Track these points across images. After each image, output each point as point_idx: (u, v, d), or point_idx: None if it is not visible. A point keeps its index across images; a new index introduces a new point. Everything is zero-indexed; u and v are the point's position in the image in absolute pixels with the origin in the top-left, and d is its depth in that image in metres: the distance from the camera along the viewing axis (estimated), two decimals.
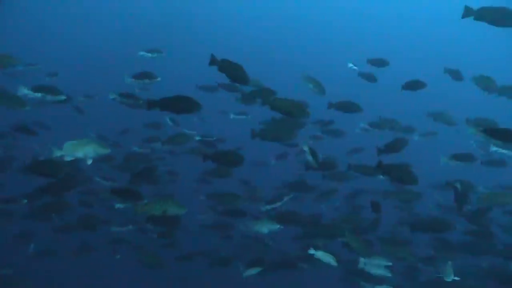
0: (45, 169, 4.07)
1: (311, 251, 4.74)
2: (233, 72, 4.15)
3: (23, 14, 23.48)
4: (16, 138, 7.44)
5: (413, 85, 6.19)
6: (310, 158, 4.68)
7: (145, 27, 24.97)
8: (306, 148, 4.70)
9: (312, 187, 6.31)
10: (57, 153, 4.07)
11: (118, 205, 7.10)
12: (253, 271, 6.27)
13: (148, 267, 5.67)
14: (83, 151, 4.16)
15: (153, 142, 7.47)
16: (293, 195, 6.35)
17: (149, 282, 8.52)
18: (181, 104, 4.07)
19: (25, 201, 5.32)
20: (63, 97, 4.69)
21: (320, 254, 4.76)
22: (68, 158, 4.11)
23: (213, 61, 4.16)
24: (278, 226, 5.01)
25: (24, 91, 4.56)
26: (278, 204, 5.93)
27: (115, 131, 9.17)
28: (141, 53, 6.73)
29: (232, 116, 8.17)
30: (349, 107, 5.89)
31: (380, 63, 6.67)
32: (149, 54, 6.66)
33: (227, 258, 6.51)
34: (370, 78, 6.83)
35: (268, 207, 5.90)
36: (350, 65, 7.76)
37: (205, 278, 8.54)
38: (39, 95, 4.60)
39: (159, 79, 5.70)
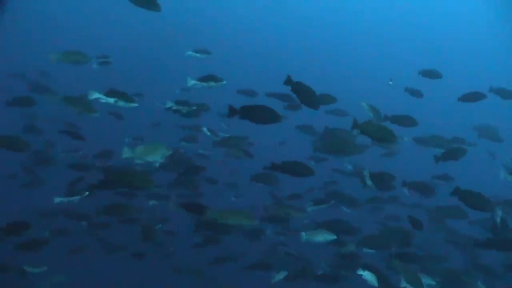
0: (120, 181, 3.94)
1: (360, 271, 4.61)
2: (306, 96, 4.14)
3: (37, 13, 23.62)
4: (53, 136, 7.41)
5: (472, 97, 6.00)
6: (369, 182, 4.61)
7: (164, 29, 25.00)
8: (366, 173, 4.62)
9: (354, 199, 6.21)
10: (127, 154, 4.04)
11: (152, 202, 7.06)
12: (280, 276, 6.22)
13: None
14: (153, 154, 4.14)
15: (191, 143, 7.44)
16: (334, 202, 6.25)
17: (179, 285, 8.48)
18: (261, 114, 4.01)
19: (86, 193, 5.25)
20: (135, 104, 4.59)
21: (367, 275, 4.64)
22: (138, 162, 4.09)
23: (288, 81, 4.15)
24: (335, 236, 4.89)
25: (95, 95, 4.41)
26: (323, 206, 5.85)
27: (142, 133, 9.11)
28: (189, 52, 6.62)
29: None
30: (404, 121, 5.76)
31: (433, 75, 6.46)
32: (198, 54, 6.55)
33: (262, 263, 6.43)
34: (417, 94, 6.67)
35: (314, 208, 5.81)
36: (390, 83, 7.67)
37: (232, 282, 8.48)
38: (111, 100, 4.47)
39: (224, 82, 5.60)
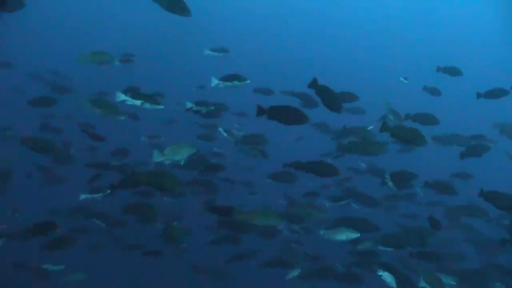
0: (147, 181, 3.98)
1: (380, 272, 4.58)
2: (330, 99, 4.17)
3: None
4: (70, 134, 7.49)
5: (495, 94, 5.92)
6: (391, 184, 4.59)
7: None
8: (387, 175, 4.61)
9: (371, 198, 6.18)
10: (159, 158, 4.09)
11: (168, 199, 7.10)
12: (294, 273, 6.24)
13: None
14: (180, 153, 4.20)
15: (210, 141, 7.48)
16: (351, 200, 6.23)
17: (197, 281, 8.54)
18: (290, 115, 4.03)
19: (108, 191, 5.32)
20: (161, 106, 4.61)
21: (387, 276, 4.61)
22: (167, 162, 4.14)
23: (313, 84, 4.17)
24: (358, 234, 4.87)
25: (122, 97, 4.42)
26: (342, 203, 5.83)
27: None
28: (207, 52, 6.62)
29: None
30: (426, 120, 5.72)
31: (453, 71, 6.36)
32: (215, 53, 6.55)
33: (278, 260, 6.44)
34: (435, 92, 6.61)
35: (331, 204, 5.80)
36: (401, 78, 7.60)
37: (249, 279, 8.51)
38: (138, 102, 4.48)
39: (248, 81, 5.60)
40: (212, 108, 5.48)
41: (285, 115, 4.05)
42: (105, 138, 5.55)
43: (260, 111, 4.08)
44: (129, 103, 4.47)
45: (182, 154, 4.35)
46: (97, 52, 4.82)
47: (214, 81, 5.47)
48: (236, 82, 5.53)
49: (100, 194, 5.41)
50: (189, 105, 5.47)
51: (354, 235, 4.84)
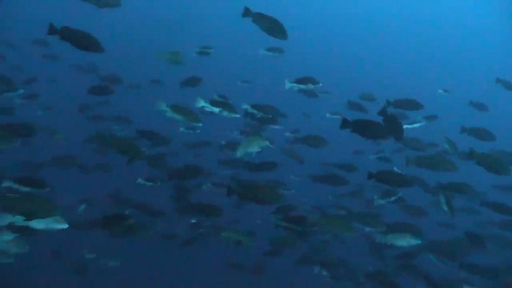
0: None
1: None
2: (394, 127, 4.28)
3: None
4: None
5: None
6: (446, 208, 4.61)
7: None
8: (442, 199, 4.62)
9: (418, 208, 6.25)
10: (241, 153, 4.24)
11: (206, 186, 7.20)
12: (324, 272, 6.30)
13: None
14: (254, 146, 4.50)
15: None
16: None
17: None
18: (372, 129, 4.15)
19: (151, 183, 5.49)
20: (238, 115, 4.72)
21: None
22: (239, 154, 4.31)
23: (382, 112, 4.38)
24: (420, 241, 4.87)
25: (202, 103, 4.54)
26: (393, 199, 5.80)
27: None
28: (262, 51, 6.67)
29: (328, 115, 8.22)
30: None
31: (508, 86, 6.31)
32: (270, 53, 6.60)
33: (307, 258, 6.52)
34: (482, 108, 6.63)
35: (382, 201, 5.77)
36: (441, 91, 7.60)
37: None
38: (216, 109, 4.59)
39: (321, 84, 5.65)
40: (270, 116, 5.50)
41: (368, 129, 4.16)
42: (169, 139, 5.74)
43: (345, 124, 4.19)
44: (208, 109, 4.61)
45: (254, 147, 4.52)
46: (172, 52, 4.95)
47: (288, 84, 5.53)
48: (310, 85, 5.58)
49: (151, 183, 5.54)
50: (245, 106, 5.49)
51: (416, 241, 4.82)
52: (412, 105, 5.86)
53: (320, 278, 6.39)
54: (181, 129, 8.18)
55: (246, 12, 4.31)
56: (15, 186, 4.50)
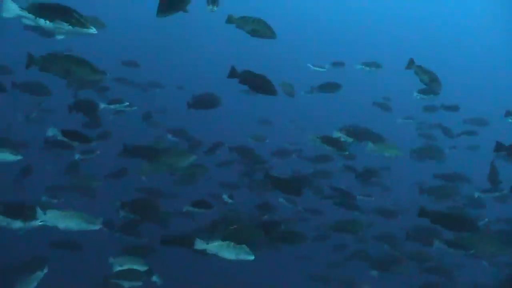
0: None
1: None
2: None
3: None
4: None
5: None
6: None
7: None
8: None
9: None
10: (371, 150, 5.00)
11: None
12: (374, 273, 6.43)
13: None
14: (389, 151, 5.12)
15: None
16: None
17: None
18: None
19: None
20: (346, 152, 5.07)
21: None
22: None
23: (232, 73, 4.24)
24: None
25: (337, 134, 5.01)
26: (496, 194, 5.72)
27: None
28: (358, 66, 6.84)
29: (399, 120, 8.66)
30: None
31: None
32: (367, 68, 6.76)
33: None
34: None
35: (484, 196, 5.73)
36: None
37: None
38: (350, 139, 4.97)
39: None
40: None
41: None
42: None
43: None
44: (343, 139, 4.90)
45: (392, 152, 5.02)
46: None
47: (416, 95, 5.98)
48: (431, 96, 5.82)
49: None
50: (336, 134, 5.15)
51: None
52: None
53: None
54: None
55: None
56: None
